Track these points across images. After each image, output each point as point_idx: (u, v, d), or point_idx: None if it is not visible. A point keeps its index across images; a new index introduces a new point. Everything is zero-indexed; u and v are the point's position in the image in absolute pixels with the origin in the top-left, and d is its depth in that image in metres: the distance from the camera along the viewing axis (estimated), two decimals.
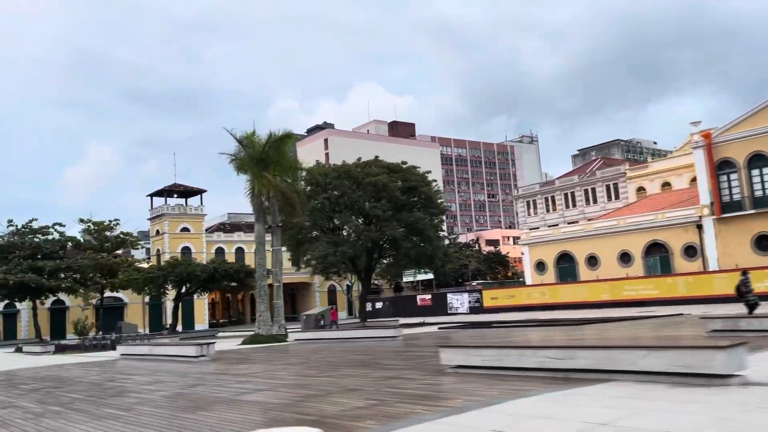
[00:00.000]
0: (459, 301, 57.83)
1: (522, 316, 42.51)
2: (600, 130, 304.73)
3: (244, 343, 29.27)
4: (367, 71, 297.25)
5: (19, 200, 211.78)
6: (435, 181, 50.03)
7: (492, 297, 55.82)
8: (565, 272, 55.92)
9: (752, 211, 44.05)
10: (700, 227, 46.86)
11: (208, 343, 19.67)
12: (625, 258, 52.20)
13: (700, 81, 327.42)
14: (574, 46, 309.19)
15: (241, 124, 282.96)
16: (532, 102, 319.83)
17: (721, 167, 45.31)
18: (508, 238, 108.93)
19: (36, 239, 55.70)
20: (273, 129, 30.63)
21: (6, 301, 57.43)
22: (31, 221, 56.18)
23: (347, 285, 77.07)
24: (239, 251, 75.68)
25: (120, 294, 66.93)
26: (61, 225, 57.73)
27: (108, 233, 58.51)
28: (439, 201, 47.33)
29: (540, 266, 58.24)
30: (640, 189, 68.39)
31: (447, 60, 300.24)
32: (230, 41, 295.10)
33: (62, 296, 60.24)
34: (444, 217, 52.08)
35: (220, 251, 74.14)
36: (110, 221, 58.39)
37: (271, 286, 31.66)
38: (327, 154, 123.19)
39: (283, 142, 29.45)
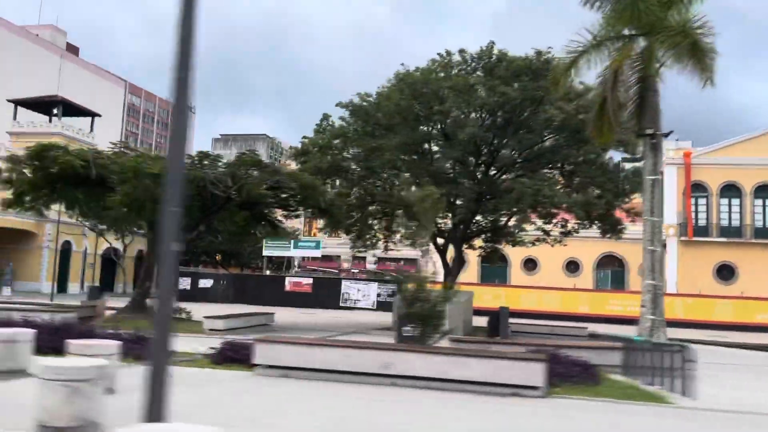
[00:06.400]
0: (362, 292, 41.82)
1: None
2: None
3: None
4: None
5: None
6: None
7: None
8: (491, 273, 48.26)
9: (721, 239, 44.06)
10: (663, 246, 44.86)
11: None
12: (571, 267, 49.29)
13: None
14: None
15: None
16: None
17: (693, 190, 44.73)
18: None
19: None
20: None
21: None
22: None
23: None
24: None
25: None
26: None
27: None
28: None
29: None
30: None
31: None
32: None
33: None
34: None
35: None
36: None
37: None
38: None
39: None
